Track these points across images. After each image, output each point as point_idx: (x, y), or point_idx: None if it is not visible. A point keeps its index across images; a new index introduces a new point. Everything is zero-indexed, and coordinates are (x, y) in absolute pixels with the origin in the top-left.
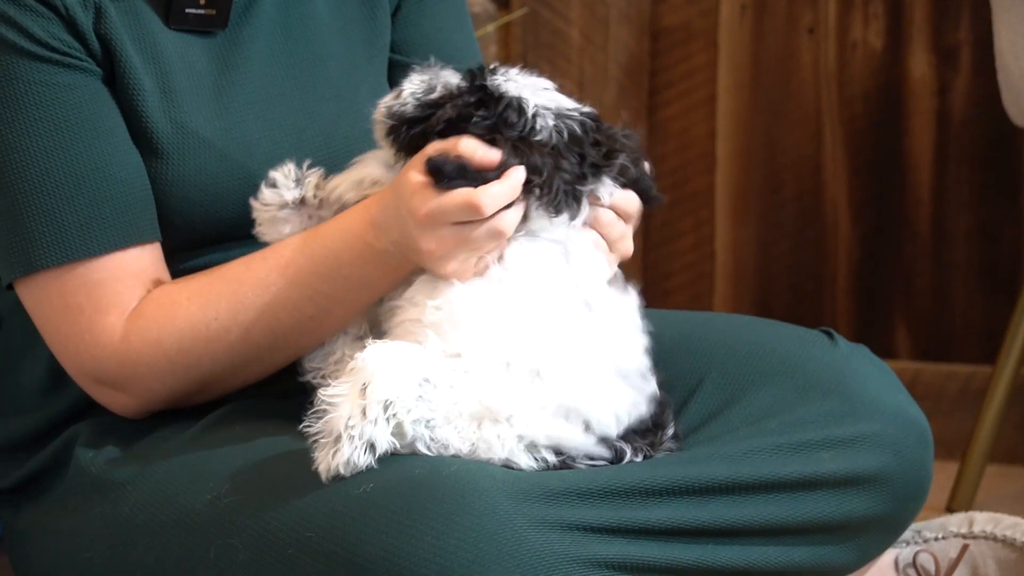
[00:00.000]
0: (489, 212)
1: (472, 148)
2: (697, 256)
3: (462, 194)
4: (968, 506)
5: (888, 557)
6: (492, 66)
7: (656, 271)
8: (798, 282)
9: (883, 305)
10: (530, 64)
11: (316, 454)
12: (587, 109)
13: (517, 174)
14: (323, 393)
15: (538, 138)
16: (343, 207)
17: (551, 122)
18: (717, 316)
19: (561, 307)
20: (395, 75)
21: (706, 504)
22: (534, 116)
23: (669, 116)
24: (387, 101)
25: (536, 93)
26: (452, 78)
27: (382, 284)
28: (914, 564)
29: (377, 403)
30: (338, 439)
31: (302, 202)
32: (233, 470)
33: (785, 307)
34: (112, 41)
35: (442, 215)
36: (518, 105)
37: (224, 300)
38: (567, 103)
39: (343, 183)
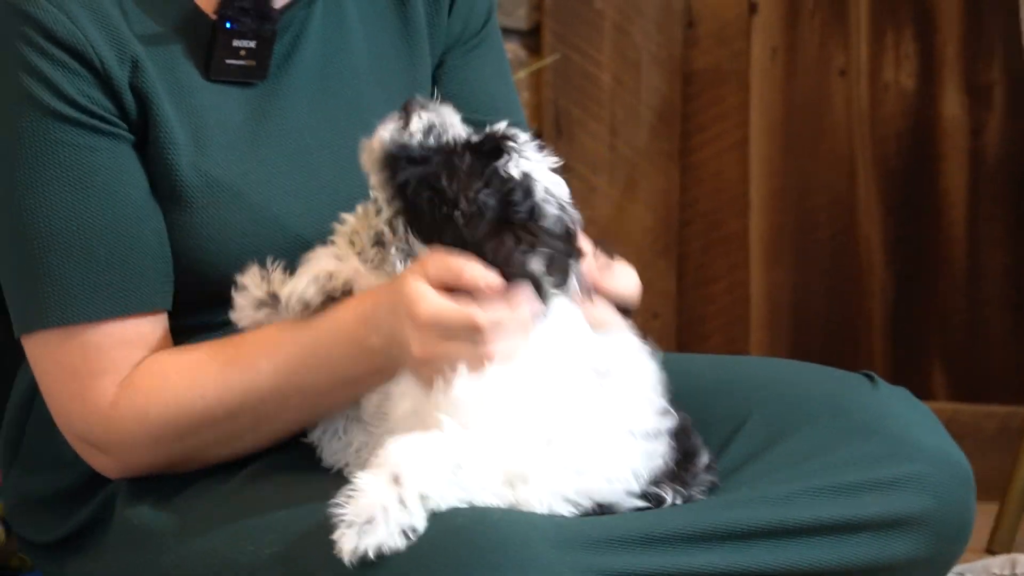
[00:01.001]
0: (489, 340)
1: (477, 276)
2: (732, 299)
3: (467, 313)
4: (1008, 547)
5: None
6: (506, 131)
7: (691, 315)
8: (833, 324)
9: (919, 345)
10: (562, 109)
11: (342, 532)
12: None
13: (526, 310)
14: (353, 479)
15: (545, 224)
16: (308, 306)
17: (555, 210)
18: (757, 360)
19: (568, 376)
20: None
21: (748, 549)
22: (543, 201)
23: (702, 159)
24: (390, 129)
25: (544, 174)
26: (459, 126)
27: (367, 381)
28: None
29: (414, 495)
30: (371, 521)
31: (275, 297)
32: (273, 526)
33: (821, 349)
34: (148, 95)
35: (442, 326)
36: (526, 188)
37: (212, 380)
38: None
39: (298, 283)
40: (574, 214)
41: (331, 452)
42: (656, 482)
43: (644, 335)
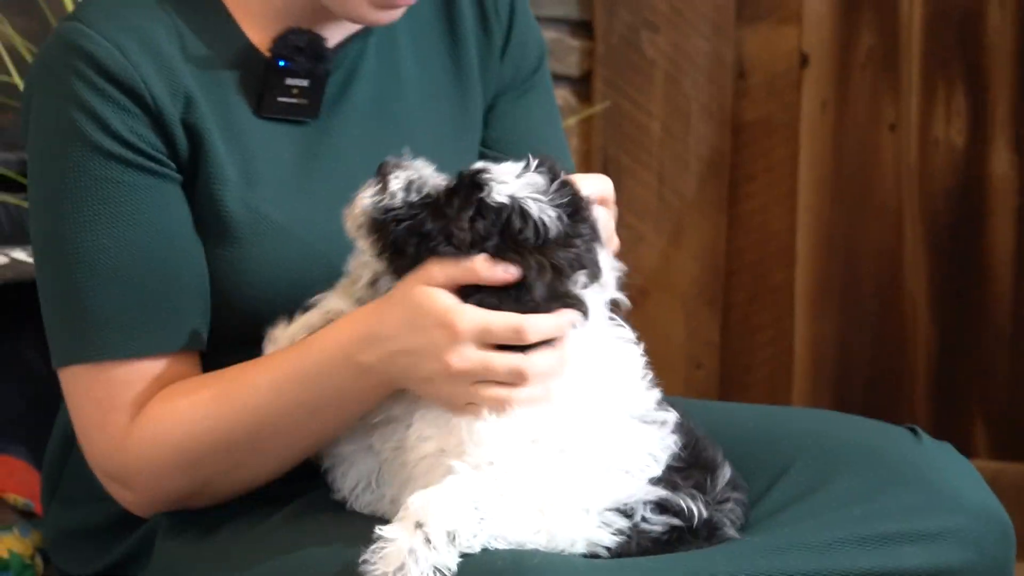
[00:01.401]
0: (533, 339)
1: (488, 267)
2: (776, 350)
3: (510, 317)
4: None
5: None
6: (477, 167)
7: (735, 364)
8: (876, 377)
9: (962, 401)
10: (611, 156)
11: None
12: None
13: (566, 315)
14: (380, 531)
15: (552, 236)
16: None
17: (552, 212)
18: (801, 410)
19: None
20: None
21: None
22: (540, 215)
23: (749, 210)
24: (370, 196)
25: (524, 188)
26: (436, 178)
27: (357, 402)
28: None
29: (439, 533)
30: (402, 567)
31: None
32: (313, 565)
33: (863, 402)
34: (200, 131)
35: (487, 333)
36: (520, 211)
37: (214, 400)
38: (541, 180)
39: (298, 325)
40: (568, 204)
41: (365, 504)
42: (675, 486)
43: (687, 384)
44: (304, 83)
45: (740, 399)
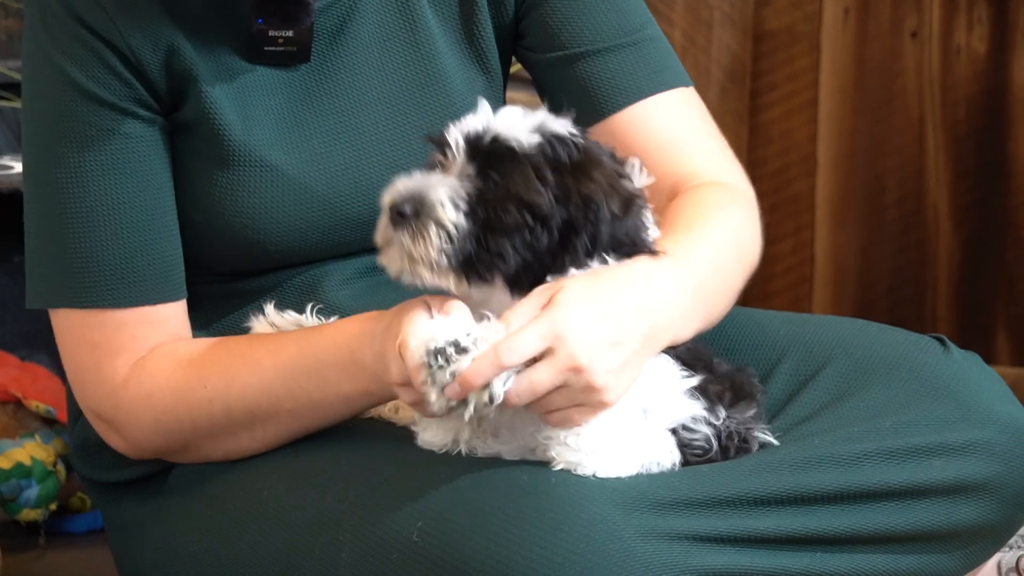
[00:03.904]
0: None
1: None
2: (797, 260)
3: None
4: None
5: (991, 560)
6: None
7: (756, 274)
8: (898, 287)
9: (984, 310)
10: None
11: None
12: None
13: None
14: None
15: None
16: None
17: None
18: (831, 318)
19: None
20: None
21: (815, 512)
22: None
23: (771, 119)
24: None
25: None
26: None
27: (354, 399)
28: (1017, 568)
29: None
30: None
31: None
32: (338, 471)
33: (885, 312)
34: (188, 76)
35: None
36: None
37: (217, 371)
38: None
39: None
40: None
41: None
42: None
43: None
44: (288, 33)
45: (761, 308)
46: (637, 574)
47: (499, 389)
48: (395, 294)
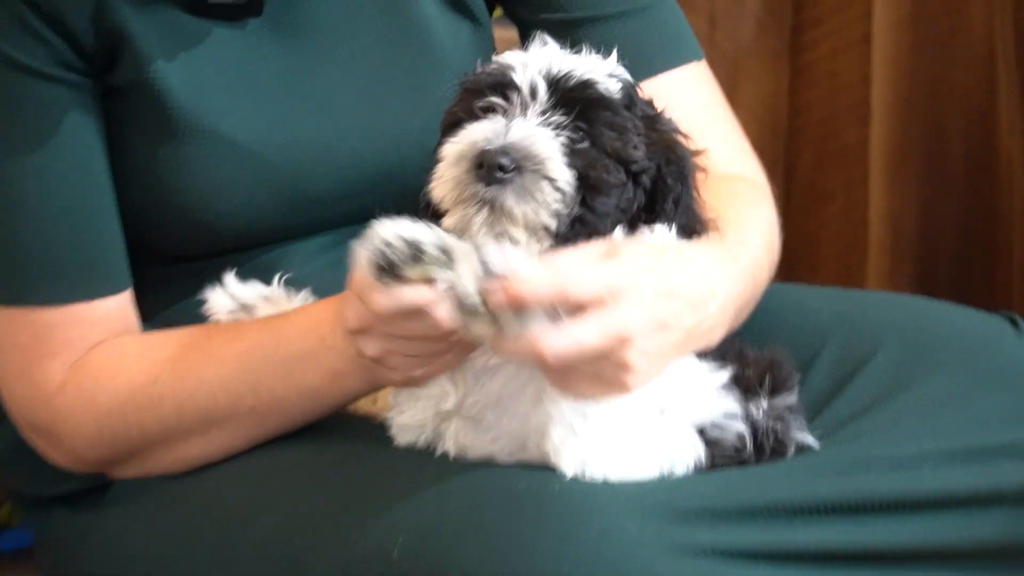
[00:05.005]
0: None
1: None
2: (848, 223)
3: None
4: None
5: None
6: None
7: (801, 240)
8: (966, 254)
9: None
10: None
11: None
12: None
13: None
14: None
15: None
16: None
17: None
18: (882, 294)
19: None
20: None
21: (864, 523)
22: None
23: (816, 58)
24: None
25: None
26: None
27: (323, 394)
28: None
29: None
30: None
31: (247, 307)
32: (310, 472)
33: (951, 284)
34: (122, 34)
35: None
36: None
37: (170, 364)
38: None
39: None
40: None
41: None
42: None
43: None
44: None
45: (805, 280)
46: None
47: (535, 324)
48: None
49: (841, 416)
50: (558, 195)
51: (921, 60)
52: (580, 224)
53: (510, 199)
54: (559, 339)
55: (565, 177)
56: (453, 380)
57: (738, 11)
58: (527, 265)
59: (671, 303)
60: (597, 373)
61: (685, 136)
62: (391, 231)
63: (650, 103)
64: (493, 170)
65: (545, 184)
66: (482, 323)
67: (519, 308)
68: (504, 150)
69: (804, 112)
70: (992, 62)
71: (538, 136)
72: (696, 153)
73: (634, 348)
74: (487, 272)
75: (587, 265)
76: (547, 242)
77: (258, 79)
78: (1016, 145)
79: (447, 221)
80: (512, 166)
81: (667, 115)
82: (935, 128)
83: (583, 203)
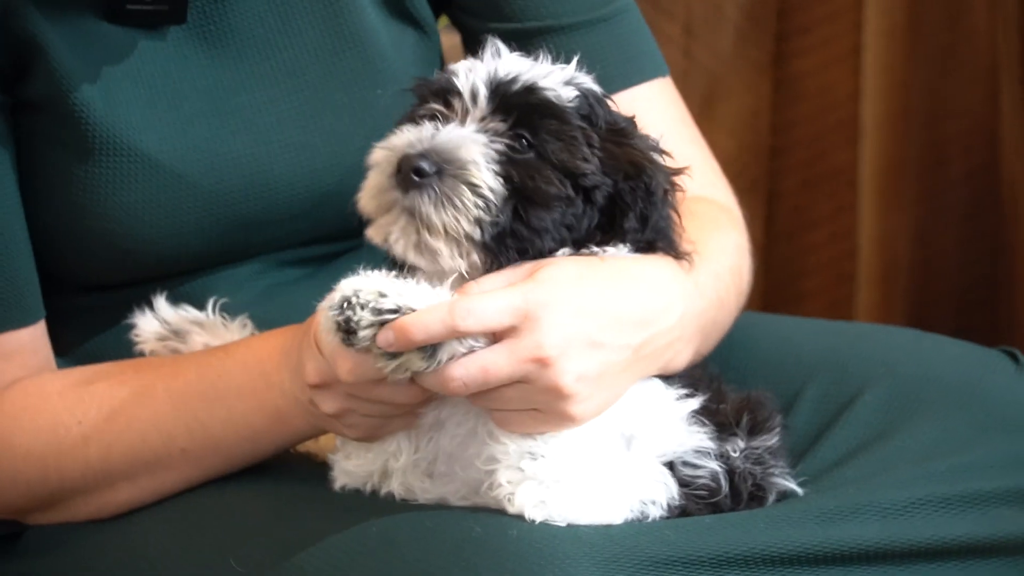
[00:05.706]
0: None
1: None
2: (836, 252)
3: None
4: None
5: None
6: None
7: (784, 270)
8: (966, 286)
9: None
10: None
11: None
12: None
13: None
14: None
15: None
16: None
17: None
18: (872, 327)
19: None
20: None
21: (854, 575)
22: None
23: (802, 71)
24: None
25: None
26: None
27: (264, 436)
28: None
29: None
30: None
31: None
32: (244, 521)
33: (949, 318)
34: (33, 41)
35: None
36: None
37: (96, 402)
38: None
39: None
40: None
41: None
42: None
43: None
44: None
45: (790, 313)
46: None
47: (443, 356)
48: (301, 297)
49: (827, 460)
50: (480, 201)
51: (918, 73)
52: (513, 239)
53: (427, 205)
54: (463, 367)
55: (489, 183)
56: (408, 436)
57: (716, 19)
58: (420, 300)
59: (602, 317)
60: (532, 404)
61: (663, 153)
62: (352, 288)
63: (624, 117)
64: (410, 174)
65: (465, 189)
66: (383, 360)
67: (407, 345)
68: (424, 154)
69: (788, 130)
70: (995, 75)
71: (463, 140)
72: (676, 172)
73: (562, 370)
74: (377, 311)
75: (496, 292)
76: (473, 255)
77: (181, 93)
78: (1021, 166)
79: (368, 232)
80: (432, 170)
81: (643, 131)
82: (933, 148)
83: (516, 215)
